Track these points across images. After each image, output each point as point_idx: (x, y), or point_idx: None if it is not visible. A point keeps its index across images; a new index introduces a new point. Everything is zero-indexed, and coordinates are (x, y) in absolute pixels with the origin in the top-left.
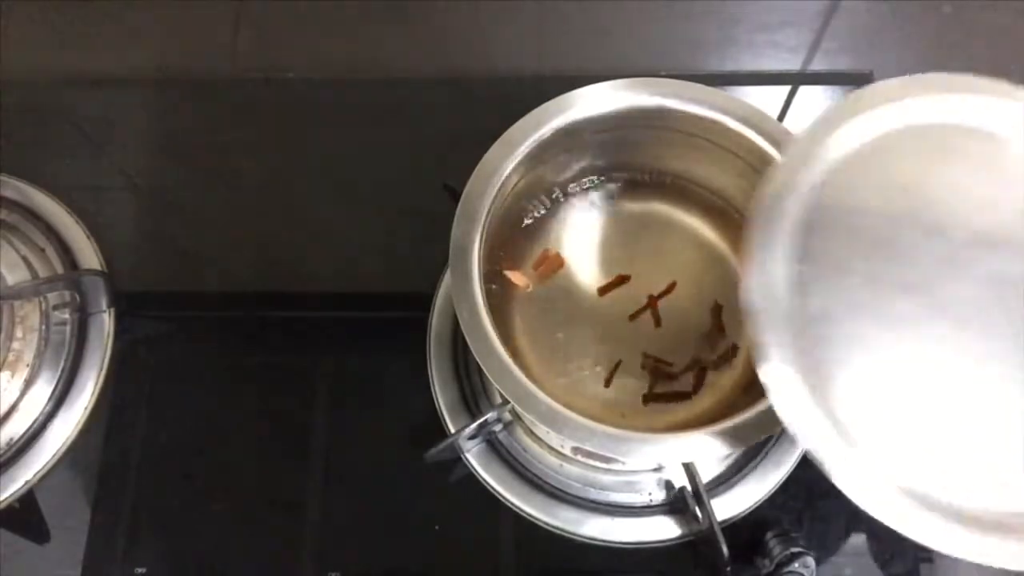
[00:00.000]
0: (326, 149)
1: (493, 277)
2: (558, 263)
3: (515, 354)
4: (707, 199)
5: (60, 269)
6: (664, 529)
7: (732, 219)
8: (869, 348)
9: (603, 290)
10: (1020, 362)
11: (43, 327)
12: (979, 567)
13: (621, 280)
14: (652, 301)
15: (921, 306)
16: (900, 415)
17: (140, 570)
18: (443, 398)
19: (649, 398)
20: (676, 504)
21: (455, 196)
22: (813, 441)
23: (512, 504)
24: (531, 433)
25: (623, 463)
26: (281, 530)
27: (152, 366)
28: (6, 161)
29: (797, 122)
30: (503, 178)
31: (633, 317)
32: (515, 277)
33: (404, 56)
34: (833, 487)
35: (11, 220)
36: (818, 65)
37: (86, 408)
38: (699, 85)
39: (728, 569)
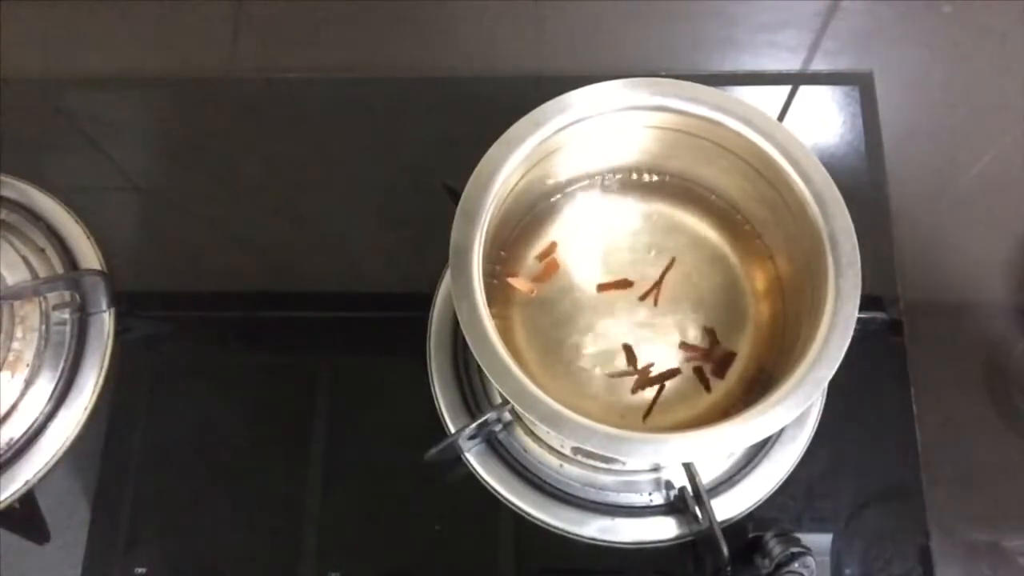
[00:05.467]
0: (326, 149)
1: (493, 277)
2: (554, 267)
3: (515, 354)
4: (707, 199)
5: (60, 269)
6: (664, 529)
7: (732, 219)
8: None
9: (603, 287)
10: None
11: (43, 327)
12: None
13: (622, 284)
14: (659, 280)
15: None
16: None
17: (140, 570)
18: (443, 398)
19: (639, 385)
20: (676, 504)
21: (455, 196)
22: None
23: (512, 504)
24: (531, 433)
25: (623, 463)
26: (281, 530)
27: (152, 366)
28: (6, 161)
29: (797, 122)
30: (503, 178)
31: (643, 297)
32: (518, 283)
33: (404, 56)
34: (833, 487)
35: (11, 220)
36: (818, 65)
37: (86, 408)
38: (699, 85)
39: (728, 569)
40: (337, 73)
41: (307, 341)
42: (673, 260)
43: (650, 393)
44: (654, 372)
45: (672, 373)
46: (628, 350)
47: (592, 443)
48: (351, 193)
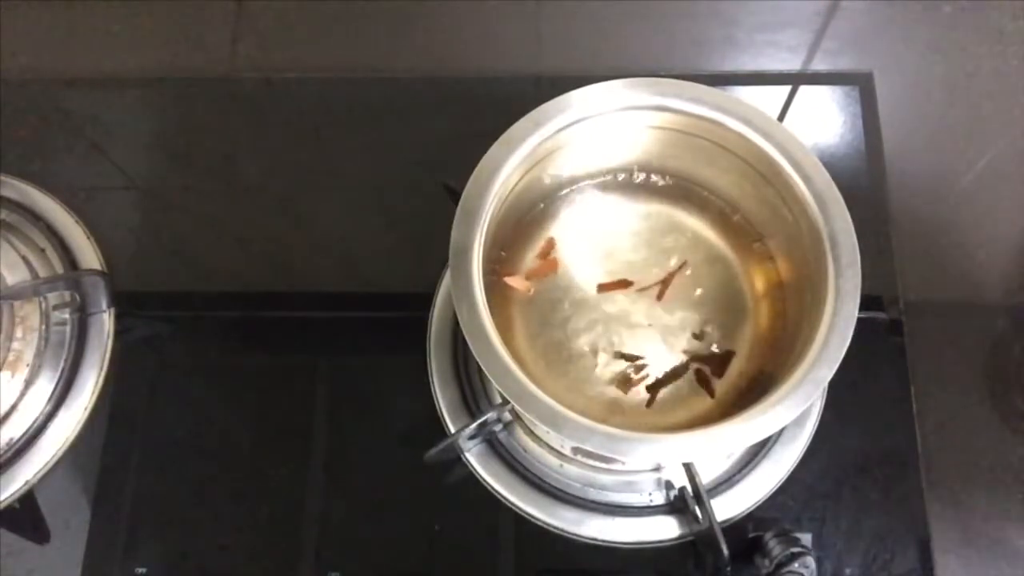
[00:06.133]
0: (325, 149)
1: (493, 277)
2: (552, 266)
3: (515, 354)
4: (707, 199)
5: (60, 269)
6: (664, 529)
7: (732, 219)
8: None
9: (603, 288)
10: None
11: (43, 327)
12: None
13: (622, 284)
14: (668, 277)
15: None
16: None
17: (140, 570)
18: (443, 398)
19: (638, 385)
20: (676, 504)
21: (455, 196)
22: None
23: (512, 504)
24: (531, 433)
25: (623, 463)
26: (281, 530)
27: (152, 366)
28: (6, 161)
29: (797, 122)
30: (503, 178)
31: (643, 289)
32: (515, 282)
33: (404, 56)
34: (833, 487)
35: (11, 220)
36: (818, 65)
37: (86, 408)
38: (699, 85)
39: (728, 569)
40: (337, 73)
41: (307, 341)
42: (685, 262)
43: (650, 393)
44: (654, 372)
45: (672, 373)
46: (628, 351)
47: (592, 443)
48: (351, 193)
